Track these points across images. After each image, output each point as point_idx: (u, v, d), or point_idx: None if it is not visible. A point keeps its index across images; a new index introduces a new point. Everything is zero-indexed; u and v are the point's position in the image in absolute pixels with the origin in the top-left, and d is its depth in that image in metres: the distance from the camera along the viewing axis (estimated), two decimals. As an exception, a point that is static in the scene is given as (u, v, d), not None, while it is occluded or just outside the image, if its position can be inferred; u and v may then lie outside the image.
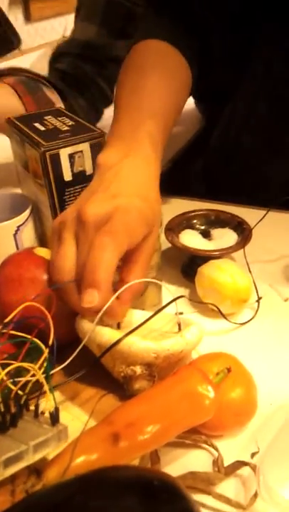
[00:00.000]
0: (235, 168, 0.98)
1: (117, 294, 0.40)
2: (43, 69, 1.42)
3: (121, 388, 0.42)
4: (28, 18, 1.35)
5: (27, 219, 0.60)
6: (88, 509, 0.24)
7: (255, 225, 0.61)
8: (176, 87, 0.61)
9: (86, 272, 0.39)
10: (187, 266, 0.63)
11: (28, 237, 0.61)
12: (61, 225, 0.44)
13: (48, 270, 0.44)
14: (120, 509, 0.24)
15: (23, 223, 0.60)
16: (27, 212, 0.60)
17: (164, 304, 0.50)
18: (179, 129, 1.08)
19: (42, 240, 0.64)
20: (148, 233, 0.45)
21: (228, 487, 0.40)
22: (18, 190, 0.67)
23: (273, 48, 0.74)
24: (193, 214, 0.65)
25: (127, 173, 0.46)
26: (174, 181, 0.79)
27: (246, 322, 0.55)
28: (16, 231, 0.60)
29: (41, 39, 1.43)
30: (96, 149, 0.58)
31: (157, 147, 0.52)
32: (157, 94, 0.57)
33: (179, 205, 0.72)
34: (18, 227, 0.60)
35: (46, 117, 0.64)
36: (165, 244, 0.62)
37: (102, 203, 0.43)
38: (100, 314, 0.38)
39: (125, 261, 0.44)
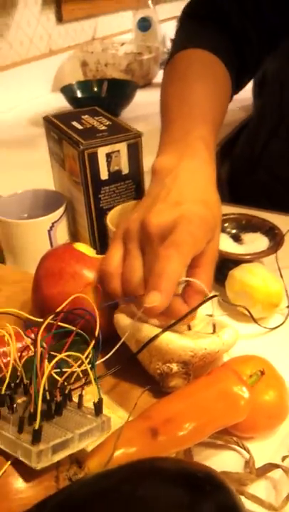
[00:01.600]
0: (261, 175, 0.99)
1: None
2: (72, 69, 1.45)
3: (155, 385, 0.43)
4: (59, 19, 1.37)
5: (61, 216, 0.61)
6: (135, 497, 0.24)
7: (288, 231, 0.62)
8: (220, 94, 0.63)
9: (151, 279, 0.40)
10: (218, 269, 0.63)
11: (62, 233, 0.62)
12: (125, 235, 0.45)
13: (89, 266, 0.45)
14: (167, 499, 0.24)
15: (58, 220, 0.61)
16: (62, 209, 0.61)
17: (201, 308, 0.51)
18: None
19: (75, 237, 0.65)
20: (212, 237, 0.45)
21: (258, 489, 0.40)
22: (51, 188, 0.68)
23: None
24: (224, 218, 0.65)
25: (185, 178, 0.47)
26: None
27: (277, 327, 0.55)
28: (51, 227, 0.61)
29: (72, 40, 1.45)
30: (133, 149, 0.58)
31: (211, 149, 0.52)
32: (205, 101, 0.58)
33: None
34: (53, 223, 0.61)
35: (83, 116, 0.65)
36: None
37: (165, 212, 0.43)
38: (140, 311, 0.39)
39: (192, 266, 0.45)
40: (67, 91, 1.20)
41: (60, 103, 1.20)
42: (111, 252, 0.45)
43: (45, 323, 0.33)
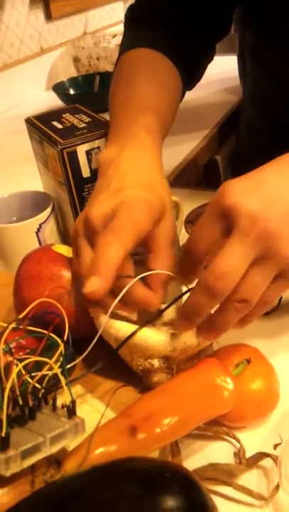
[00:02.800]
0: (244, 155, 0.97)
1: (132, 283, 0.40)
2: (65, 66, 1.44)
3: (141, 381, 0.42)
4: (48, 16, 1.36)
5: (48, 216, 0.61)
6: (98, 500, 0.24)
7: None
8: (165, 87, 0.62)
9: (90, 266, 0.40)
10: (208, 258, 0.63)
11: (50, 234, 0.62)
12: (75, 233, 0.45)
13: (67, 267, 0.45)
14: (130, 500, 0.24)
15: (45, 221, 0.61)
16: (48, 209, 0.61)
17: (185, 297, 0.50)
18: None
19: (64, 237, 0.65)
20: (159, 219, 0.44)
21: (250, 479, 0.40)
22: (40, 189, 0.68)
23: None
24: (213, 205, 0.64)
25: (126, 165, 0.46)
26: None
27: (268, 314, 0.54)
28: (38, 229, 0.61)
29: (62, 37, 1.44)
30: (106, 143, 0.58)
31: (155, 135, 0.52)
32: (148, 93, 0.58)
33: (199, 197, 0.72)
34: (40, 224, 0.61)
35: (64, 115, 0.64)
36: (186, 236, 0.62)
37: (105, 202, 0.43)
38: (113, 305, 0.38)
39: (147, 251, 0.44)
40: (59, 88, 1.20)
41: (54, 101, 1.20)
42: (73, 255, 0.44)
43: (8, 329, 0.33)
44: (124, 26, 0.74)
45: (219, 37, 0.74)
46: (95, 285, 0.38)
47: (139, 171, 0.46)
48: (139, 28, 0.71)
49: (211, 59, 0.74)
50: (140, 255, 0.46)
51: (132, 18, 0.73)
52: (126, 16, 0.74)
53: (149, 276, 0.42)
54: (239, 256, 0.35)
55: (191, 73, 0.70)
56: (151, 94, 0.58)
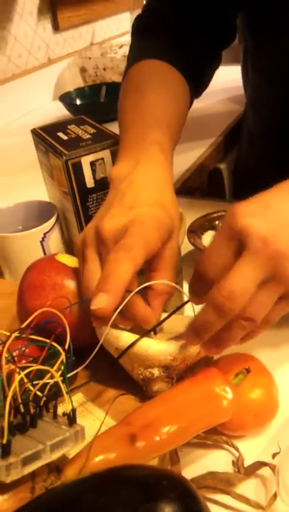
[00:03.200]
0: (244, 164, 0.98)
1: (131, 294, 0.41)
2: (72, 76, 1.46)
3: (141, 390, 0.43)
4: (56, 27, 1.38)
5: (53, 226, 0.62)
6: (96, 507, 0.25)
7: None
8: (175, 97, 0.63)
9: (99, 281, 0.40)
10: (211, 267, 0.63)
11: (55, 243, 0.63)
12: (83, 243, 0.45)
13: (70, 277, 0.46)
14: (126, 507, 0.25)
15: (50, 230, 0.62)
16: (53, 219, 0.62)
17: (185, 307, 0.51)
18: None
19: (69, 246, 0.66)
20: (167, 239, 0.45)
21: (248, 487, 0.40)
22: (46, 198, 0.69)
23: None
24: (215, 215, 0.65)
25: (140, 182, 0.47)
26: None
27: (270, 323, 0.55)
28: (43, 238, 0.62)
29: (70, 47, 1.46)
30: (116, 155, 0.59)
31: (167, 152, 0.53)
32: (158, 105, 0.59)
33: (201, 207, 0.73)
34: (45, 234, 0.62)
35: (69, 126, 0.65)
36: (188, 246, 0.62)
37: (118, 216, 0.44)
38: (114, 316, 0.39)
39: (150, 269, 0.45)
40: (66, 99, 1.22)
41: (61, 112, 1.21)
42: (80, 265, 0.45)
43: (11, 338, 0.34)
44: (132, 36, 0.75)
45: (225, 44, 0.74)
46: (103, 302, 0.38)
47: (151, 188, 0.47)
48: (145, 38, 0.72)
49: (217, 66, 0.75)
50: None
51: (138, 28, 0.74)
52: (133, 26, 0.75)
53: (151, 293, 0.43)
54: (249, 276, 0.36)
55: (198, 81, 0.71)
56: (162, 107, 0.59)
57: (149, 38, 0.71)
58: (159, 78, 0.64)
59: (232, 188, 1.08)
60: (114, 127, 0.62)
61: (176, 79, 0.66)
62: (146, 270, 0.45)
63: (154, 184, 0.48)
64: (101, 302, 0.38)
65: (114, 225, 0.43)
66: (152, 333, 0.43)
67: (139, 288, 0.41)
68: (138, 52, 0.70)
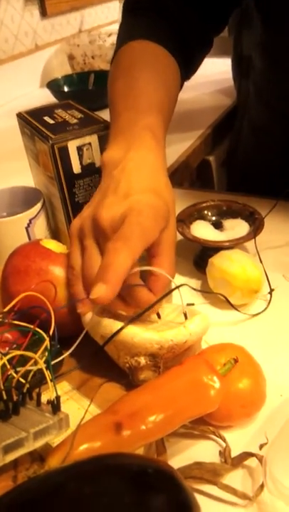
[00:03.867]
0: (239, 156, 0.97)
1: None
2: (59, 63, 1.44)
3: (128, 379, 0.42)
4: (44, 13, 1.35)
5: (39, 212, 0.61)
6: (80, 496, 0.24)
7: (267, 215, 0.60)
8: (166, 80, 0.62)
9: (98, 272, 0.40)
10: (199, 257, 0.62)
11: (41, 229, 0.62)
12: (80, 231, 0.46)
13: (55, 262, 0.44)
14: (111, 496, 0.24)
15: (35, 216, 0.61)
16: (38, 205, 0.61)
17: (174, 295, 0.50)
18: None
19: (55, 233, 0.65)
20: (165, 225, 0.45)
21: (235, 478, 0.40)
22: (31, 185, 0.68)
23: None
24: (204, 205, 0.64)
25: (133, 168, 0.47)
26: None
27: (258, 313, 0.54)
28: (28, 224, 0.60)
29: (57, 34, 1.43)
30: (104, 141, 0.58)
31: (159, 137, 0.52)
32: (150, 88, 0.57)
33: (190, 196, 0.72)
34: (30, 220, 0.60)
35: (56, 111, 0.64)
36: (178, 235, 0.61)
37: (114, 205, 0.44)
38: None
39: (150, 255, 0.45)
40: (53, 86, 1.20)
41: (48, 99, 1.19)
42: (71, 254, 0.45)
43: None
44: (122, 14, 0.73)
45: (217, 30, 0.73)
46: (101, 292, 0.38)
47: (145, 173, 0.47)
48: (136, 17, 0.70)
49: (208, 51, 0.74)
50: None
51: (129, 6, 0.72)
52: (124, 4, 0.73)
53: (152, 279, 0.43)
54: None
55: (188, 64, 0.69)
56: (153, 90, 0.58)
57: (140, 18, 0.69)
58: (150, 60, 0.63)
59: (225, 179, 1.07)
60: (102, 115, 0.61)
61: (167, 61, 0.65)
62: (146, 256, 0.45)
63: (147, 169, 0.47)
64: (100, 292, 0.38)
65: (111, 214, 0.43)
66: (139, 320, 0.43)
67: (138, 269, 0.41)
68: (128, 32, 0.68)
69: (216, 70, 1.18)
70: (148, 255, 0.45)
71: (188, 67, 0.70)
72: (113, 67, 0.65)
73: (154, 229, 0.43)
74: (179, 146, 0.98)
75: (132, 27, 0.69)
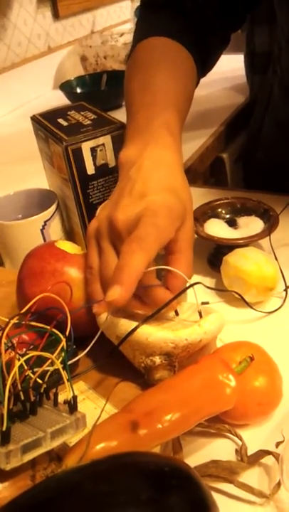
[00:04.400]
0: (258, 152, 0.96)
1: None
2: (72, 65, 1.45)
3: (143, 378, 0.42)
4: (56, 15, 1.36)
5: (53, 214, 0.62)
6: (97, 494, 0.24)
7: (281, 212, 0.60)
8: (183, 78, 0.61)
9: (113, 274, 0.41)
10: (213, 256, 0.62)
11: (56, 231, 0.62)
12: (97, 233, 0.46)
13: (70, 263, 0.45)
14: (128, 494, 0.24)
15: (50, 218, 0.61)
16: (53, 207, 0.62)
17: (189, 293, 0.50)
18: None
19: (70, 234, 0.65)
20: (182, 222, 0.45)
21: (251, 476, 0.40)
22: (46, 187, 0.68)
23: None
24: (218, 203, 0.64)
25: (149, 167, 0.47)
26: None
27: (273, 311, 0.54)
28: (44, 226, 0.61)
29: (70, 36, 1.44)
30: (117, 141, 0.58)
31: (175, 134, 0.52)
32: (167, 86, 0.57)
33: (204, 194, 0.72)
34: (45, 222, 0.61)
35: (70, 112, 0.64)
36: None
37: (130, 207, 0.44)
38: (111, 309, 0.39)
39: (167, 252, 0.45)
40: (66, 87, 1.21)
41: (62, 101, 1.20)
42: (88, 254, 0.45)
43: (10, 324, 0.33)
44: (140, 10, 0.73)
45: (235, 27, 0.73)
46: (116, 294, 0.39)
47: (161, 172, 0.47)
48: (154, 13, 0.70)
49: (225, 48, 0.73)
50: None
51: (145, 5, 0.72)
52: (141, 3, 0.73)
53: (169, 277, 0.44)
54: None
55: (205, 61, 0.69)
56: (170, 87, 0.58)
57: (157, 14, 0.69)
58: (166, 57, 0.62)
59: (241, 176, 1.07)
60: (115, 115, 0.61)
61: (184, 57, 0.64)
62: (165, 253, 0.45)
63: (164, 168, 0.47)
64: (115, 294, 0.39)
65: (127, 216, 0.43)
66: (153, 319, 0.43)
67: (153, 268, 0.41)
68: (146, 28, 0.68)
69: (228, 67, 1.18)
70: (166, 252, 0.45)
71: (204, 64, 0.69)
72: (130, 63, 0.65)
73: (170, 229, 0.43)
74: (193, 144, 0.98)
75: (149, 23, 0.69)
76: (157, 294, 0.43)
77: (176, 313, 0.45)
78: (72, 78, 1.26)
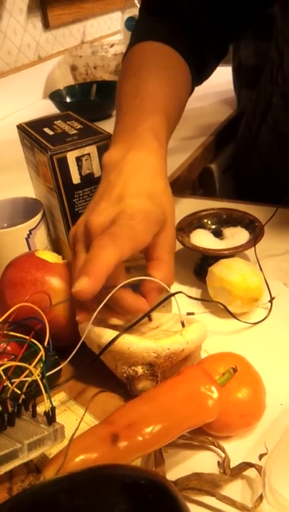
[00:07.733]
0: (253, 162, 0.97)
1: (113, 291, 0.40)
2: (62, 75, 1.45)
3: (126, 389, 0.42)
4: (46, 25, 1.37)
5: (39, 223, 0.61)
6: (71, 508, 0.24)
7: (266, 223, 0.60)
8: (176, 82, 0.61)
9: (82, 266, 0.39)
10: (199, 266, 0.62)
11: (41, 240, 0.62)
12: (74, 238, 0.45)
13: (51, 273, 0.45)
14: (102, 508, 0.24)
15: (35, 227, 0.61)
16: (39, 216, 0.61)
17: (173, 304, 0.50)
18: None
19: (55, 243, 0.65)
20: (161, 228, 0.45)
21: (234, 489, 0.39)
22: (32, 196, 0.68)
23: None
24: (204, 213, 0.64)
25: (130, 171, 0.46)
26: None
27: (258, 322, 0.54)
28: (28, 235, 0.60)
29: (60, 46, 1.45)
30: (103, 151, 0.58)
31: (161, 140, 0.51)
32: (158, 90, 0.57)
33: (190, 205, 0.72)
34: (30, 230, 0.61)
35: (56, 122, 0.64)
36: (178, 244, 0.61)
37: (107, 211, 0.43)
38: (95, 313, 0.38)
39: (147, 259, 0.45)
40: (55, 97, 1.21)
41: (51, 110, 1.20)
42: (71, 261, 0.44)
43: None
44: (139, 15, 0.73)
45: (234, 37, 0.73)
46: (83, 284, 0.37)
47: (142, 177, 0.46)
48: (152, 19, 0.70)
49: (223, 57, 0.73)
50: (129, 262, 0.46)
51: (146, 8, 0.73)
52: (140, 9, 0.74)
53: (145, 282, 0.43)
54: None
55: (201, 69, 0.69)
56: (161, 92, 0.57)
57: (155, 20, 0.69)
58: (160, 62, 0.62)
59: (231, 186, 1.07)
60: (104, 125, 0.61)
61: (178, 64, 0.64)
62: (145, 260, 0.44)
63: (145, 173, 0.47)
64: (82, 284, 0.37)
65: (102, 219, 0.42)
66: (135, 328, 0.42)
67: (125, 282, 0.40)
68: (142, 32, 0.68)
69: (217, 79, 1.19)
70: (146, 259, 0.44)
71: (200, 72, 0.69)
72: (124, 64, 0.65)
73: (145, 233, 0.42)
74: (181, 155, 0.98)
75: (146, 28, 0.69)
76: (126, 299, 0.41)
77: (150, 319, 0.44)
78: (62, 88, 1.27)
